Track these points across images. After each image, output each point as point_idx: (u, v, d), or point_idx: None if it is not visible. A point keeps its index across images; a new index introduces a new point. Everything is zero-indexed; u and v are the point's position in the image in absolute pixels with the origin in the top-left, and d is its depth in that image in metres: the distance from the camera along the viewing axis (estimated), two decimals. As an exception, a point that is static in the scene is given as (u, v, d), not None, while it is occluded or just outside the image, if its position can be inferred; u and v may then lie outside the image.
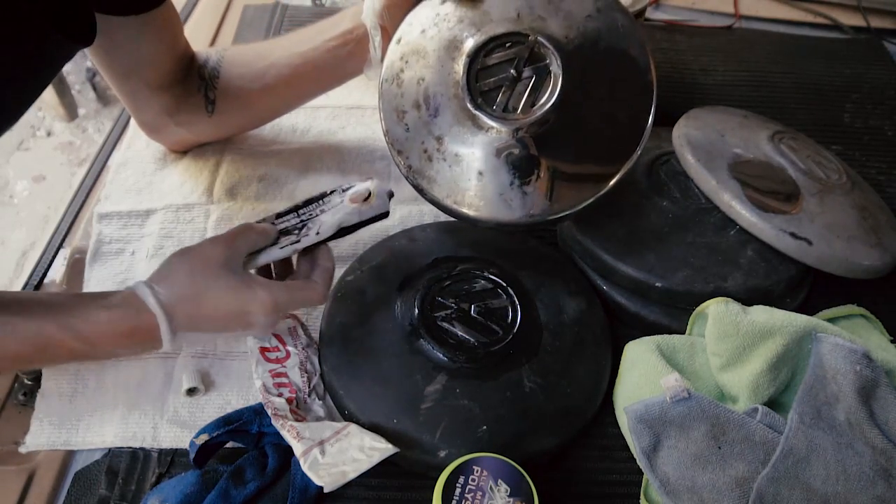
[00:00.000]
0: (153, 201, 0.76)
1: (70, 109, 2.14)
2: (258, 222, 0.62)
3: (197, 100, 0.72)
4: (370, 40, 0.66)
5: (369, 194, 0.63)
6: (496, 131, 0.61)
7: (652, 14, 1.09)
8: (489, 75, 0.62)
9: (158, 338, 0.53)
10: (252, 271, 0.59)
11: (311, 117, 0.87)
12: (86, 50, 0.67)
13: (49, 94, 2.05)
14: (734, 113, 0.78)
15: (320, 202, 0.64)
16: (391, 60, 0.63)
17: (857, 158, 0.87)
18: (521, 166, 0.62)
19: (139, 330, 0.53)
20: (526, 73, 0.61)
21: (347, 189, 0.64)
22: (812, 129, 0.84)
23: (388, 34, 0.65)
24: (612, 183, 0.61)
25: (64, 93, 2.09)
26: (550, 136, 0.61)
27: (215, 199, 0.76)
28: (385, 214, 0.65)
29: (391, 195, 0.65)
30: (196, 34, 0.75)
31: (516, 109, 0.61)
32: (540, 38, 0.60)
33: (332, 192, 0.64)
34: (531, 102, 0.61)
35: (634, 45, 0.62)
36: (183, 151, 0.81)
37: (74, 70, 2.30)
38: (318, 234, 0.61)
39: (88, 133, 2.15)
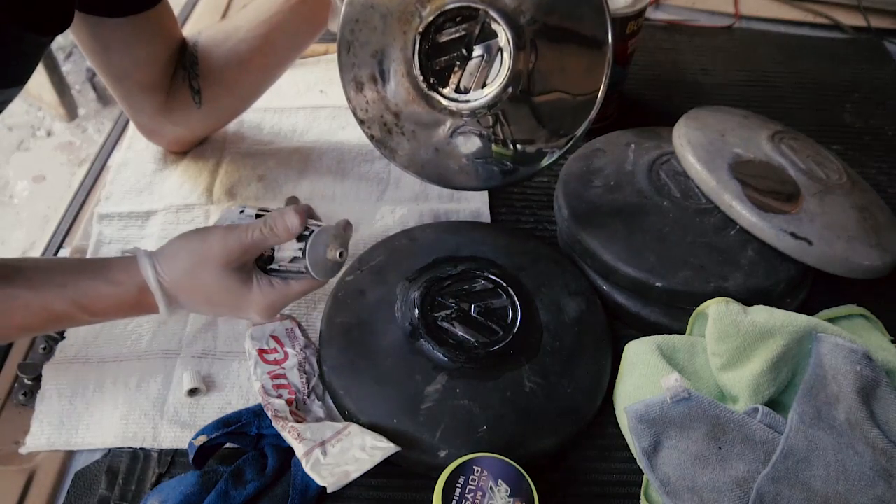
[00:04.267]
0: (153, 202, 0.76)
1: (70, 109, 2.14)
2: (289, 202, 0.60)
3: (184, 93, 0.72)
4: None
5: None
6: (449, 112, 0.62)
7: (652, 14, 1.09)
8: (441, 53, 0.61)
9: (157, 310, 0.56)
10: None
11: (311, 117, 0.87)
12: (82, 51, 0.67)
13: (49, 94, 2.05)
14: (734, 113, 0.78)
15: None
16: (342, 32, 0.63)
17: (857, 158, 0.87)
18: (475, 144, 0.64)
19: (139, 304, 0.56)
20: (477, 50, 0.61)
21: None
22: (812, 129, 0.84)
23: None
24: (550, 159, 0.64)
25: (64, 93, 2.09)
26: (502, 113, 0.62)
27: (215, 200, 0.76)
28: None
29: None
30: (191, 32, 0.75)
31: (469, 90, 0.61)
32: (490, 12, 0.59)
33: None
34: (483, 82, 0.61)
35: (591, 16, 0.59)
36: (183, 152, 0.81)
37: (74, 70, 2.30)
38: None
39: (88, 133, 2.15)
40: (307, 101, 0.90)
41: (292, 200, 0.61)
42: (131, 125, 0.83)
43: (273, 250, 0.57)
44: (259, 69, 0.74)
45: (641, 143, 0.76)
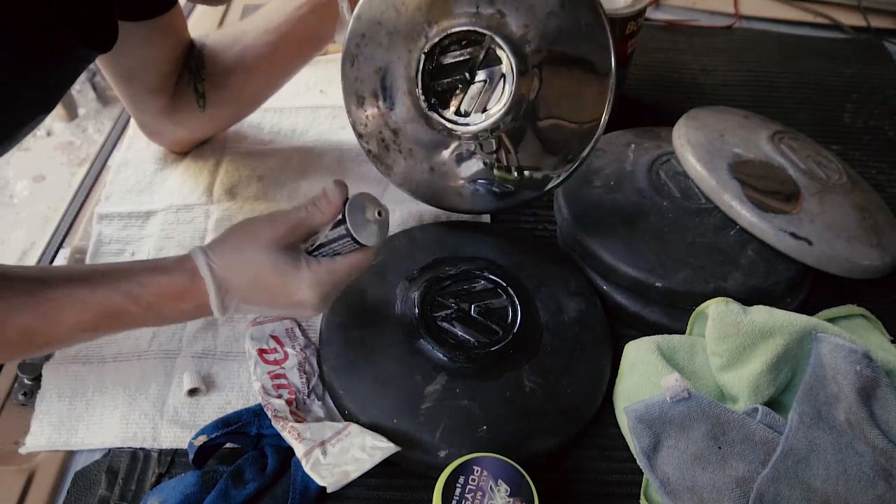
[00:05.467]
0: (153, 202, 0.76)
1: (70, 109, 2.14)
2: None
3: (189, 96, 0.72)
4: (338, 2, 0.65)
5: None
6: (447, 133, 0.62)
7: (652, 14, 1.09)
8: (444, 75, 0.61)
9: (208, 304, 0.54)
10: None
11: (311, 117, 0.87)
12: None
13: (49, 94, 2.05)
14: (734, 113, 0.78)
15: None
16: (347, 45, 0.63)
17: (857, 158, 0.87)
18: (474, 167, 0.64)
19: (190, 293, 0.54)
20: (480, 75, 0.61)
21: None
22: (812, 129, 0.84)
23: None
24: (555, 183, 0.65)
25: (64, 93, 2.09)
26: (501, 139, 0.63)
27: (215, 200, 0.76)
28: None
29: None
30: (196, 34, 0.75)
31: (469, 113, 0.62)
32: (496, 38, 0.59)
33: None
34: (483, 107, 0.61)
35: (595, 47, 0.60)
36: (183, 152, 0.81)
37: (74, 70, 2.30)
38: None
39: (88, 133, 2.15)
40: (307, 101, 0.90)
41: None
42: (131, 125, 0.83)
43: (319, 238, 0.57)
44: (264, 76, 0.74)
45: (641, 143, 0.76)
